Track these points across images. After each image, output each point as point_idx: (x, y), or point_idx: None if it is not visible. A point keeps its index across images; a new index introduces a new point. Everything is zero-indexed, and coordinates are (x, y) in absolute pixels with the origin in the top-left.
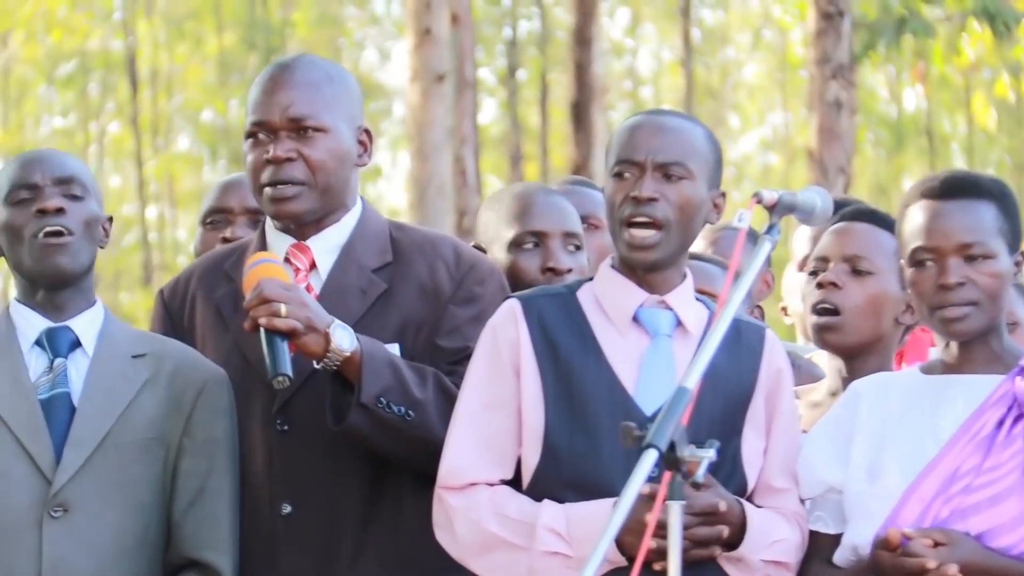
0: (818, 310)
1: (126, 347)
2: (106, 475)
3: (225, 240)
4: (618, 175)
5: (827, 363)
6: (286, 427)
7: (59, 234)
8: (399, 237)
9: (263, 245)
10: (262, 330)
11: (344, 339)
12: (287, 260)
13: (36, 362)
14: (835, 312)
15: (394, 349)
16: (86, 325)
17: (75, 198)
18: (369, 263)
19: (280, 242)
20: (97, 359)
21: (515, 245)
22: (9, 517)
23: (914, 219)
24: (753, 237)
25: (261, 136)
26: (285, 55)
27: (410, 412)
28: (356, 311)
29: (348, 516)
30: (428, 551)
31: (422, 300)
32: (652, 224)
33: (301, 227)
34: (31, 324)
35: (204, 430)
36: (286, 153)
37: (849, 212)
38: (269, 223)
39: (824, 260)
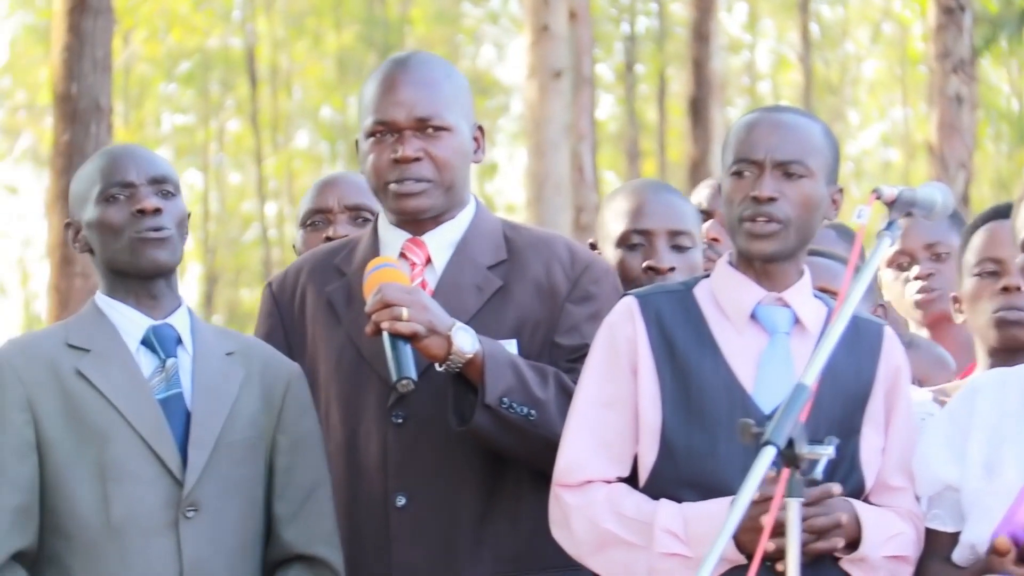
0: (1005, 318)
1: (217, 345)
2: (224, 474)
3: (328, 239)
4: (737, 174)
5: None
6: (401, 420)
7: (158, 230)
8: (512, 236)
9: (375, 241)
10: (385, 334)
11: (466, 341)
12: (402, 255)
13: (145, 361)
14: None
15: (511, 345)
16: (181, 323)
17: (168, 195)
18: (484, 260)
19: (394, 237)
20: (198, 357)
21: (622, 242)
22: (145, 519)
23: None
24: (846, 235)
25: (384, 135)
26: (398, 53)
27: (533, 412)
28: (471, 307)
29: (464, 510)
30: (544, 548)
31: (538, 298)
32: (772, 222)
33: (418, 223)
34: (131, 321)
35: (296, 426)
36: (415, 153)
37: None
38: (382, 219)
39: (996, 261)
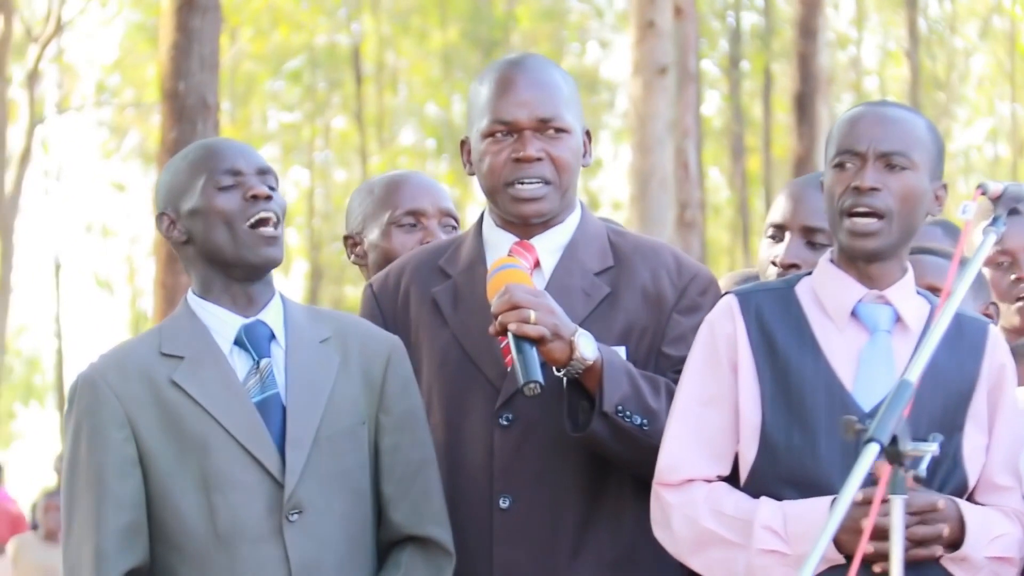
0: None
1: (311, 332)
2: (325, 470)
3: (422, 243)
4: (839, 165)
5: None
6: (508, 422)
7: (267, 222)
8: (618, 242)
9: (480, 242)
10: (510, 336)
11: (588, 347)
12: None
13: (239, 362)
14: None
15: (620, 352)
16: (275, 316)
17: (272, 189)
18: (591, 266)
19: (500, 239)
20: (291, 351)
21: (765, 233)
22: (250, 527)
23: None
24: (952, 232)
25: (501, 135)
26: (509, 53)
27: (646, 421)
28: (580, 313)
29: (568, 513)
30: (645, 556)
31: (645, 306)
32: (873, 214)
33: (527, 226)
34: (223, 322)
35: (399, 403)
36: (537, 153)
37: None
38: (487, 219)
39: None
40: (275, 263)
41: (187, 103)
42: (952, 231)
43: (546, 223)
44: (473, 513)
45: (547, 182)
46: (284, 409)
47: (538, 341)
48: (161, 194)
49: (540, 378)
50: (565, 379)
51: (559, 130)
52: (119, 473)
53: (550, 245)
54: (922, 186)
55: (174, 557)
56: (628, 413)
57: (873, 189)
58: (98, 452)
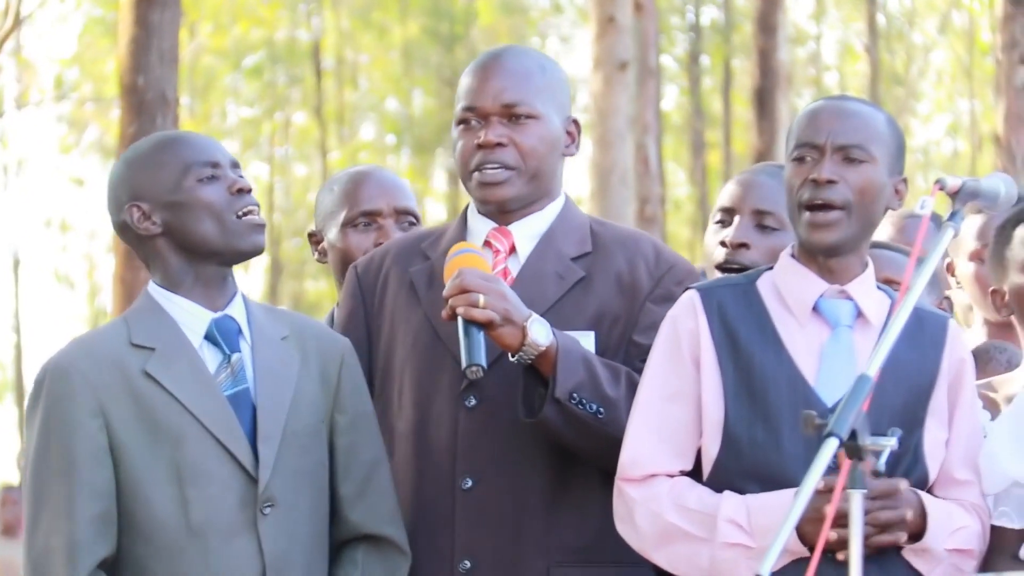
0: None
1: (271, 329)
2: (292, 466)
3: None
4: (798, 159)
5: None
6: (474, 403)
7: (254, 212)
8: (599, 231)
9: (463, 228)
10: (459, 319)
11: (541, 333)
12: (487, 243)
13: (210, 356)
14: None
15: (589, 337)
16: (239, 312)
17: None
18: (568, 251)
19: (482, 226)
20: (257, 347)
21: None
22: (224, 520)
23: None
24: (938, 222)
25: (472, 122)
26: (471, 48)
27: (601, 409)
28: (551, 296)
29: (531, 498)
30: (611, 542)
31: (619, 293)
32: (831, 206)
33: (505, 213)
34: (192, 315)
35: (353, 404)
36: (497, 138)
37: None
38: (472, 207)
39: None
40: (262, 250)
41: (146, 98)
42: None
43: (524, 210)
44: (437, 493)
45: (509, 168)
46: (254, 405)
47: (487, 325)
48: (127, 186)
49: (483, 361)
50: (522, 365)
51: (525, 116)
52: (93, 462)
53: (528, 231)
54: (880, 179)
55: (142, 549)
56: (583, 400)
57: (830, 182)
58: (70, 440)
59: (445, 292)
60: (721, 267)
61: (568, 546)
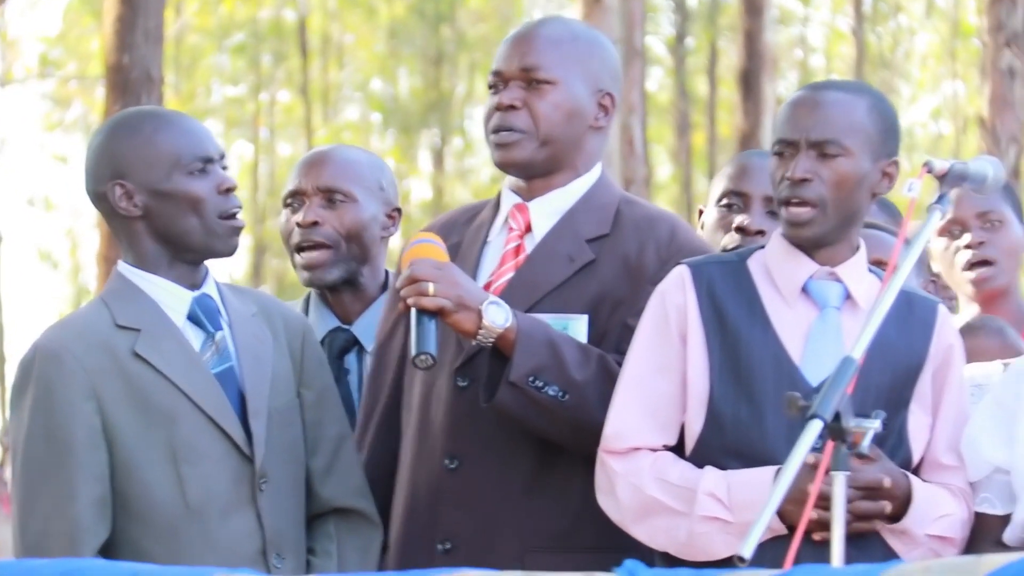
0: None
1: (242, 307)
2: (278, 441)
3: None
4: (778, 154)
5: None
6: (465, 383)
7: (236, 215)
8: (624, 211)
9: (496, 206)
10: (412, 309)
11: (498, 316)
12: (505, 222)
13: (193, 336)
14: None
15: (582, 321)
16: (213, 291)
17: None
18: (586, 232)
19: (507, 200)
20: (234, 326)
21: (719, 201)
22: (222, 498)
23: None
24: (884, 207)
25: (499, 86)
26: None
27: (565, 393)
28: (557, 278)
29: (513, 481)
30: (590, 529)
31: (624, 275)
32: (806, 203)
33: (529, 189)
34: (173, 295)
35: (317, 379)
36: (510, 100)
37: None
38: (506, 184)
39: None
40: (235, 252)
41: (131, 76)
42: (884, 206)
43: (545, 185)
44: (427, 472)
45: (519, 131)
46: (238, 382)
47: (440, 313)
48: (112, 160)
49: (432, 350)
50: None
51: (541, 81)
52: (90, 444)
53: (547, 209)
54: (859, 170)
55: (138, 530)
56: (541, 384)
57: (804, 180)
58: (66, 424)
59: (396, 284)
60: None
61: (545, 531)
